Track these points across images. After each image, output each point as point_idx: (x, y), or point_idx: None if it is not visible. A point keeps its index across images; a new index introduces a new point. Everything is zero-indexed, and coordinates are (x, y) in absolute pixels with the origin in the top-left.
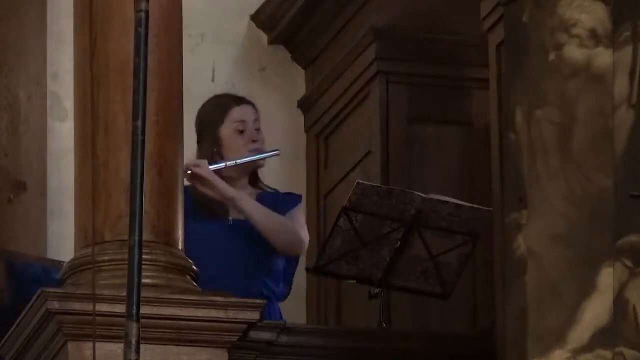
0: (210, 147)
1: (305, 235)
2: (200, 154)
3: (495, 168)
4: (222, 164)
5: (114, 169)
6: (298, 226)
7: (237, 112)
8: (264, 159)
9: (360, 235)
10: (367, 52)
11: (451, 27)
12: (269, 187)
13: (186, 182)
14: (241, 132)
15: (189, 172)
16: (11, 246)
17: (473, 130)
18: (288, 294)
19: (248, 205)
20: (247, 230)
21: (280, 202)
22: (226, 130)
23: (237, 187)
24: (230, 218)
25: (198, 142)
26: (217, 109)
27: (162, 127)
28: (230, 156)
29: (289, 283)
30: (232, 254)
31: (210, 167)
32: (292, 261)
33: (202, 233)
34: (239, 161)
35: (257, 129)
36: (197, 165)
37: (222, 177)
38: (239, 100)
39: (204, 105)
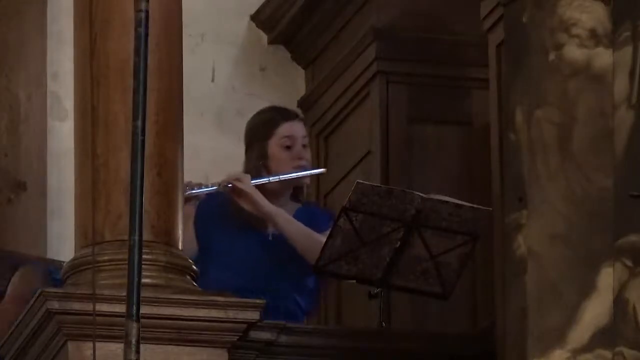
0: (256, 159)
1: None
2: (247, 164)
3: (495, 168)
4: (265, 179)
5: (114, 169)
6: None
7: (287, 128)
8: (307, 176)
9: (360, 235)
10: (367, 52)
11: (451, 27)
12: (310, 202)
13: (209, 188)
14: (288, 147)
15: (229, 185)
16: (11, 246)
17: (473, 130)
18: (315, 310)
19: (285, 222)
20: (285, 246)
21: (317, 218)
22: (274, 145)
23: (279, 200)
24: (270, 233)
25: (246, 151)
26: (267, 122)
27: (162, 127)
28: (275, 170)
29: (317, 300)
30: (267, 269)
31: (253, 181)
32: (323, 280)
33: (236, 244)
34: (282, 177)
35: (305, 146)
36: (238, 180)
37: (265, 190)
38: (291, 116)
39: (256, 116)
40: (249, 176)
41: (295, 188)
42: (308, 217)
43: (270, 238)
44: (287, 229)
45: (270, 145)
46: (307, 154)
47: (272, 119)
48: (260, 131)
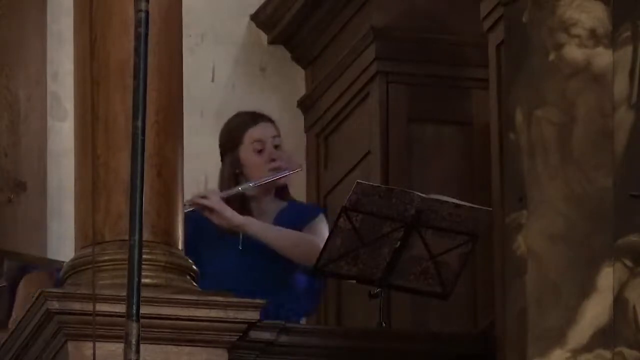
0: (230, 168)
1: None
2: (222, 175)
3: (495, 168)
4: (235, 190)
5: (114, 169)
6: (317, 237)
7: (255, 132)
8: (280, 178)
9: (360, 235)
10: (367, 52)
11: (451, 27)
12: (297, 201)
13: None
14: (260, 151)
15: (191, 209)
16: (11, 246)
17: (473, 130)
18: (314, 309)
19: (258, 230)
20: (258, 251)
21: (301, 214)
22: (245, 152)
23: (262, 203)
24: (240, 242)
25: (221, 161)
26: (235, 129)
27: (162, 127)
28: (251, 176)
29: (315, 298)
30: (245, 278)
31: (224, 193)
32: (319, 278)
33: (217, 256)
34: (252, 184)
35: (277, 146)
36: (204, 197)
37: (245, 196)
38: (257, 119)
39: (225, 124)
40: (215, 191)
41: (277, 189)
42: (293, 213)
43: (240, 247)
44: (261, 235)
45: (241, 153)
46: (281, 154)
47: (239, 126)
48: (229, 140)
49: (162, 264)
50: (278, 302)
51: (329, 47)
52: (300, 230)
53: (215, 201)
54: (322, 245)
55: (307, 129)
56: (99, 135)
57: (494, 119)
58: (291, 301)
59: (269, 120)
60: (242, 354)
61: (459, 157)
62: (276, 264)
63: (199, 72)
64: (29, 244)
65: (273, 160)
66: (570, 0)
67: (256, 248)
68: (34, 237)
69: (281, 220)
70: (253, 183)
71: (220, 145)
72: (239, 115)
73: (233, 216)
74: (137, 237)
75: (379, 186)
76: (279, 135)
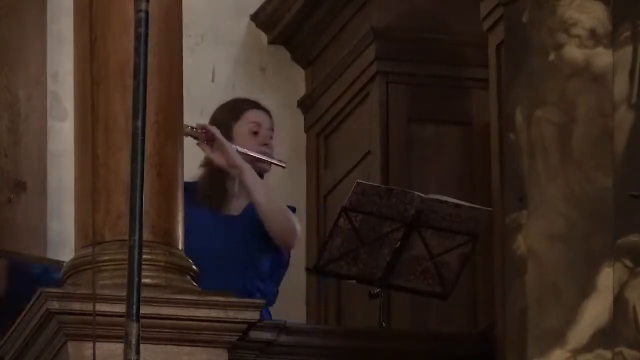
0: None
1: (299, 229)
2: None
3: (495, 168)
4: (229, 144)
5: (114, 169)
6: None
7: (254, 114)
8: (270, 162)
9: (360, 235)
10: (367, 52)
11: (451, 27)
12: None
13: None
14: (255, 133)
15: (203, 131)
16: (11, 246)
17: (473, 130)
18: (275, 297)
19: (252, 180)
20: (239, 226)
21: None
22: (240, 129)
23: (239, 186)
24: (235, 185)
25: None
26: (234, 108)
27: (162, 127)
28: None
29: (276, 285)
30: (222, 249)
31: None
32: (280, 261)
33: (199, 224)
34: (247, 151)
35: (270, 138)
36: (213, 127)
37: (226, 174)
38: (260, 106)
39: (221, 106)
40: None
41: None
42: None
43: (235, 190)
44: (253, 185)
45: (235, 128)
46: (272, 146)
47: (240, 105)
48: (226, 115)
49: (162, 264)
50: (245, 281)
51: (329, 47)
52: None
53: (221, 136)
54: (297, 228)
55: (307, 128)
56: (99, 135)
57: (494, 119)
58: (258, 281)
59: (268, 112)
60: (242, 354)
61: (459, 157)
62: (252, 243)
63: (199, 72)
64: (29, 244)
65: (265, 144)
66: (570, 0)
67: (237, 222)
68: (34, 237)
69: (252, 209)
70: (247, 150)
71: (215, 120)
72: (240, 99)
73: (236, 156)
74: (137, 237)
75: (379, 186)
76: (273, 130)
